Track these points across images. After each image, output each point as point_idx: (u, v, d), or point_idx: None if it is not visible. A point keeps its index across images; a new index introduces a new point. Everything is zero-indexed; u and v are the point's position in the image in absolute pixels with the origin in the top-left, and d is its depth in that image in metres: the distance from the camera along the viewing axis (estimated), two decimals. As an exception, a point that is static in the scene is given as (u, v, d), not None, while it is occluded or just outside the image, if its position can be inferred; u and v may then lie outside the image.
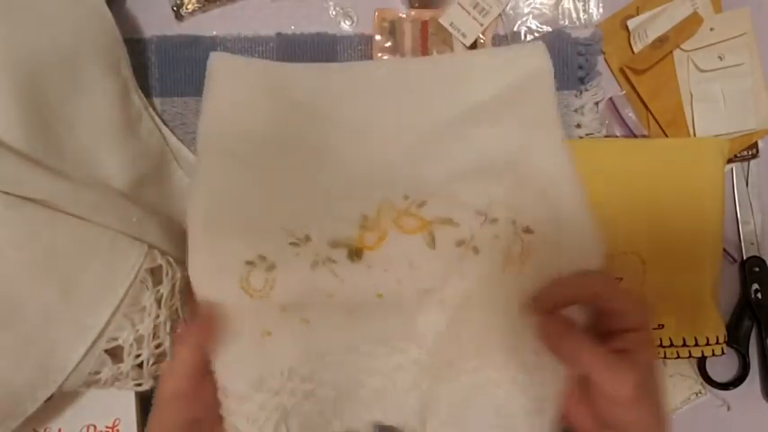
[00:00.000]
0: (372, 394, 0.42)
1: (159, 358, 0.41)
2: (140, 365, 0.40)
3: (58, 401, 0.41)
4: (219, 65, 0.46)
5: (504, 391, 0.40)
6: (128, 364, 0.39)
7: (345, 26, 0.50)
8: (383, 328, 0.42)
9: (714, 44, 0.49)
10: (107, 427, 0.42)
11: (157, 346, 0.40)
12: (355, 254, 0.41)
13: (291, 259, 0.41)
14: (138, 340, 0.39)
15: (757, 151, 0.50)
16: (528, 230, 0.42)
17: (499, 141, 0.45)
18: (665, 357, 0.47)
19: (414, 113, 0.48)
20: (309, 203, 0.43)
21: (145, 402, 0.45)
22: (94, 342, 0.37)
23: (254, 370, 0.39)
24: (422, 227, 0.42)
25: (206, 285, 0.40)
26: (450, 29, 0.49)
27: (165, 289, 0.40)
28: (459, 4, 0.49)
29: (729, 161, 0.50)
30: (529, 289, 0.38)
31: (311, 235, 0.41)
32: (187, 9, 0.48)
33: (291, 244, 0.41)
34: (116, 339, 0.39)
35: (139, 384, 0.41)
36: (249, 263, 0.40)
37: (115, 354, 0.39)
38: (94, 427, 0.42)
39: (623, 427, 0.35)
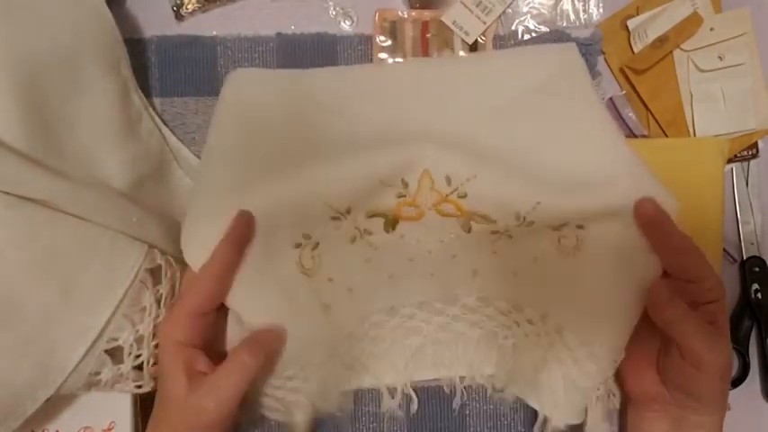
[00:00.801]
0: (413, 352, 0.45)
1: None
2: (140, 367, 0.40)
3: (55, 403, 0.41)
4: (239, 75, 0.47)
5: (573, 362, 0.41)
6: (128, 364, 0.39)
7: (345, 26, 0.50)
8: (420, 290, 0.44)
9: (714, 44, 0.49)
10: (103, 430, 0.42)
11: (157, 346, 0.40)
12: (391, 224, 0.44)
13: (332, 234, 0.44)
14: (138, 341, 0.39)
15: (757, 151, 0.50)
16: (580, 226, 0.43)
17: (544, 137, 0.44)
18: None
19: (451, 109, 0.46)
20: (348, 171, 0.43)
21: (143, 404, 0.45)
22: (94, 342, 0.37)
23: (322, 344, 0.42)
24: (460, 214, 0.44)
25: (259, 273, 0.40)
26: (452, 27, 0.49)
27: (164, 289, 0.40)
28: (461, 2, 0.49)
29: (729, 161, 0.50)
30: (584, 271, 0.42)
31: (351, 207, 0.43)
32: (187, 9, 0.48)
33: (333, 218, 0.43)
34: (116, 340, 0.39)
35: (140, 386, 0.41)
36: (297, 245, 0.43)
37: (115, 354, 0.39)
38: (91, 429, 0.42)
39: (699, 395, 0.37)
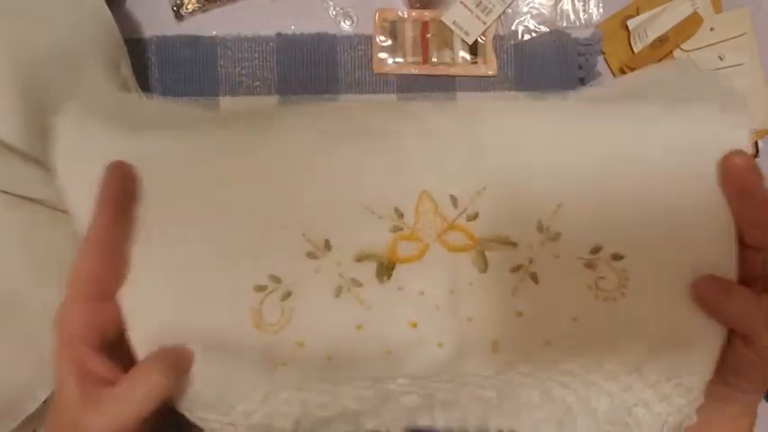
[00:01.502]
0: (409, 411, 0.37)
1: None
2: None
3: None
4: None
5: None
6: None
7: (345, 26, 0.50)
8: (425, 367, 0.34)
9: (714, 44, 0.49)
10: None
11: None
12: (386, 271, 0.34)
13: (311, 281, 0.34)
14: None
15: (758, 151, 0.50)
16: (617, 257, 0.34)
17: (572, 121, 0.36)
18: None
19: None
20: (323, 196, 0.34)
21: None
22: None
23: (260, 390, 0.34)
24: (472, 245, 0.34)
25: (192, 318, 0.33)
26: (452, 27, 0.49)
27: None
28: (461, 2, 0.49)
29: (730, 161, 0.50)
30: (633, 318, 0.33)
31: (331, 240, 0.34)
32: (187, 9, 0.48)
33: (309, 255, 0.34)
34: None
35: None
36: (260, 288, 0.33)
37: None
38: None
39: (753, 378, 0.34)
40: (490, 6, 0.49)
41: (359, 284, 0.34)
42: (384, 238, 0.34)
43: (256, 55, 0.49)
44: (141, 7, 0.48)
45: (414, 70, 0.49)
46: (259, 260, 0.33)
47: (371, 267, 0.34)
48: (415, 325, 0.34)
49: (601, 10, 0.51)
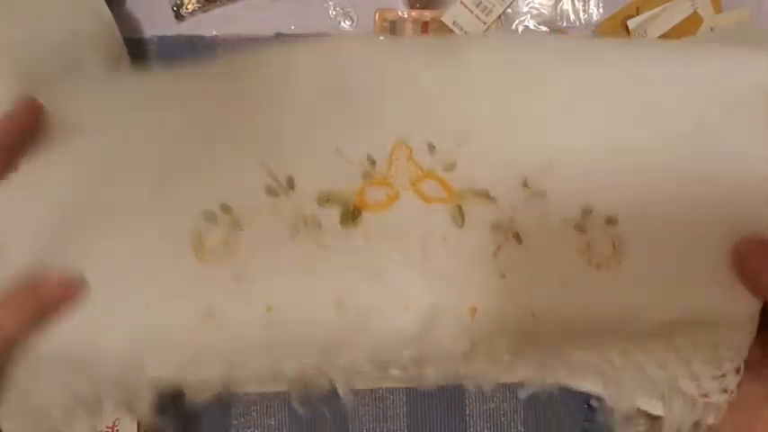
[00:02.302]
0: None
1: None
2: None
3: (57, 401, 0.41)
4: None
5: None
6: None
7: (345, 26, 0.50)
8: (381, 337, 0.30)
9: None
10: (107, 427, 0.42)
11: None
12: (351, 217, 0.31)
13: (265, 217, 0.30)
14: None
15: (757, 151, 0.50)
16: (611, 221, 0.30)
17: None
18: (665, 357, 0.47)
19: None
20: (292, 132, 0.32)
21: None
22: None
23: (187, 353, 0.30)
24: (448, 198, 0.31)
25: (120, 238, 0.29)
26: (452, 27, 0.49)
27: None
28: (461, 2, 0.49)
29: (729, 161, 0.50)
30: (630, 289, 0.30)
31: (295, 179, 0.31)
32: (187, 9, 0.48)
33: (268, 191, 0.31)
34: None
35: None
36: (207, 215, 0.30)
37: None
38: (94, 427, 0.42)
39: None
40: (490, 6, 0.49)
41: (319, 227, 0.30)
42: (353, 183, 0.31)
43: (256, 55, 0.49)
44: (141, 7, 0.48)
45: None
46: (211, 186, 0.30)
47: (335, 212, 0.31)
48: (377, 278, 0.30)
49: (601, 10, 0.50)
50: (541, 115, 0.32)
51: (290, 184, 0.31)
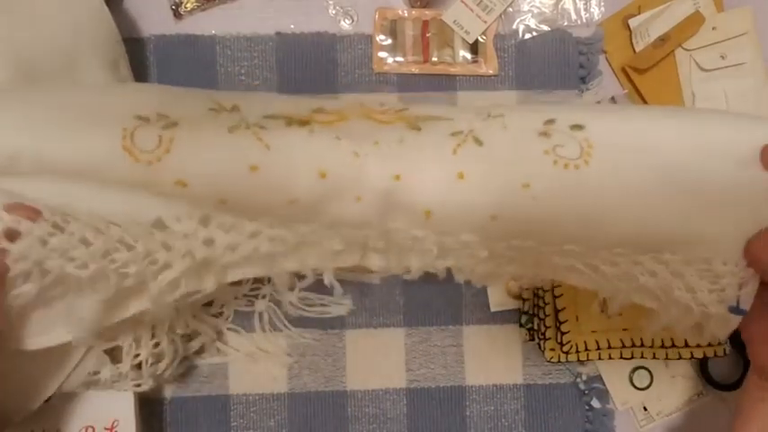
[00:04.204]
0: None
1: (158, 358, 0.41)
2: (139, 366, 0.40)
3: (56, 403, 0.41)
4: None
5: None
6: (126, 364, 0.39)
7: (345, 25, 0.50)
8: (337, 219, 0.29)
9: (716, 43, 0.49)
10: (105, 429, 0.42)
11: (156, 346, 0.40)
12: (297, 123, 0.29)
13: (202, 120, 0.29)
14: (137, 340, 0.39)
15: (759, 151, 0.50)
16: (576, 127, 0.30)
17: None
18: (666, 358, 0.47)
19: None
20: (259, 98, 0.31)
21: (144, 403, 0.45)
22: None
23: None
24: (405, 120, 0.30)
25: (59, 137, 0.28)
26: (453, 26, 0.49)
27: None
28: (462, 1, 0.49)
29: (731, 161, 0.49)
30: (603, 188, 0.29)
31: (240, 106, 0.30)
32: (186, 8, 0.48)
33: (210, 110, 0.30)
34: (115, 339, 0.39)
35: (138, 385, 0.41)
36: (141, 117, 0.29)
37: (114, 354, 0.39)
38: (93, 428, 0.42)
39: None
40: (491, 5, 0.49)
41: (262, 127, 0.29)
42: (302, 113, 0.30)
43: (256, 54, 0.49)
44: (140, 6, 0.48)
45: (414, 69, 0.49)
46: (150, 100, 0.29)
47: (280, 121, 0.29)
48: (324, 175, 0.28)
49: (602, 9, 0.50)
50: None
51: (235, 108, 0.30)
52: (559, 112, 0.30)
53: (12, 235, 0.27)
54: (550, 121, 0.30)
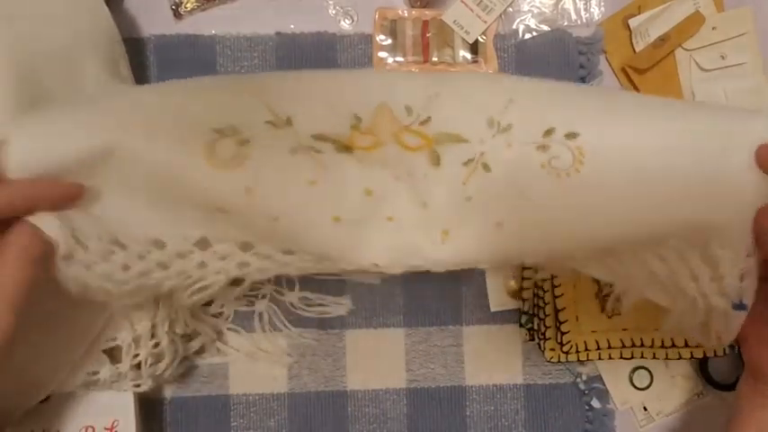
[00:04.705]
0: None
1: (157, 358, 0.41)
2: (138, 366, 0.40)
3: (55, 402, 0.41)
4: None
5: None
6: (126, 364, 0.39)
7: (345, 25, 0.50)
8: (374, 248, 0.35)
9: (716, 43, 0.49)
10: (105, 429, 0.42)
11: (155, 346, 0.40)
12: (344, 149, 0.35)
13: (268, 139, 0.34)
14: (136, 340, 0.39)
15: (759, 151, 0.50)
16: (571, 135, 0.33)
17: None
18: (666, 358, 0.47)
19: None
20: (291, 87, 0.36)
21: (144, 403, 0.45)
22: (93, 342, 0.37)
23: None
24: (425, 144, 0.35)
25: (156, 149, 0.32)
26: (453, 26, 0.49)
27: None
28: (462, 1, 0.49)
29: (731, 161, 0.49)
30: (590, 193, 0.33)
31: (293, 119, 0.34)
32: (186, 8, 0.48)
33: (269, 123, 0.34)
34: (114, 339, 0.39)
35: (138, 385, 0.41)
36: (218, 130, 0.33)
37: (113, 354, 0.39)
38: (93, 428, 0.42)
39: None
40: (491, 5, 0.49)
41: (317, 151, 0.35)
42: (343, 130, 0.35)
43: (256, 54, 0.49)
44: (140, 6, 0.48)
45: (414, 69, 0.49)
46: (221, 113, 0.33)
47: (330, 145, 0.35)
48: (370, 192, 0.35)
49: (602, 9, 0.50)
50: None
51: (288, 122, 0.34)
52: (557, 116, 0.34)
53: (67, 256, 0.30)
54: (549, 131, 0.34)
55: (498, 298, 0.49)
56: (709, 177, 0.32)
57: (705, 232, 0.33)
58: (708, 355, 0.47)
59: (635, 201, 0.33)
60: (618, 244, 0.35)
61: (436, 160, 0.35)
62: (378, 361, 0.48)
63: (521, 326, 0.49)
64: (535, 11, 0.50)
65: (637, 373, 0.49)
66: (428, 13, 0.49)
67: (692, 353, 0.46)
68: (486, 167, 0.35)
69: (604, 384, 0.49)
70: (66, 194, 0.30)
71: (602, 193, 0.33)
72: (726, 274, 0.33)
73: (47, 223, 0.30)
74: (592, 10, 0.50)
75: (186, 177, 0.33)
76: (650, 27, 0.49)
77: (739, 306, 0.34)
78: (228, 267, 0.36)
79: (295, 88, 0.35)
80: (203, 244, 0.35)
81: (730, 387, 0.49)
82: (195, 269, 0.35)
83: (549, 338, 0.47)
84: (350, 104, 0.35)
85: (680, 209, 0.33)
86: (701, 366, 0.49)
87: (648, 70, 0.49)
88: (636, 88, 0.49)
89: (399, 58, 0.49)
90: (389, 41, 0.49)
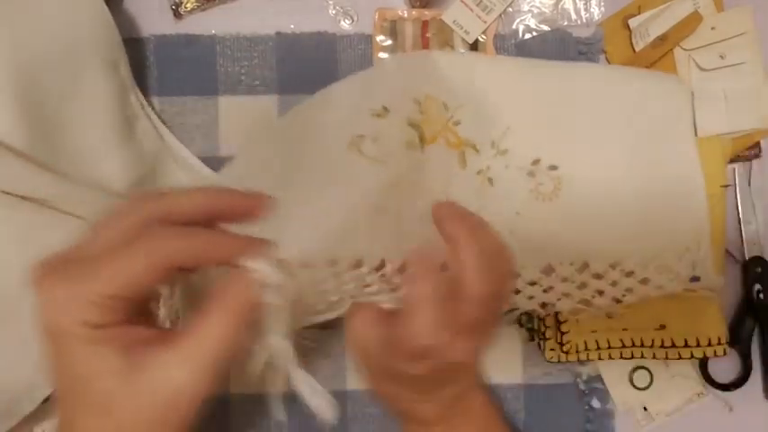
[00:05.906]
0: None
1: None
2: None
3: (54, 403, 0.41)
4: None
5: None
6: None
7: (345, 25, 0.50)
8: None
9: (715, 43, 0.49)
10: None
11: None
12: (421, 143, 0.44)
13: (386, 133, 0.43)
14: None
15: (760, 151, 0.50)
16: (553, 167, 0.44)
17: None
18: (666, 358, 0.47)
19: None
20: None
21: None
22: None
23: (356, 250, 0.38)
24: (458, 144, 0.44)
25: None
26: (453, 26, 0.49)
27: (163, 288, 0.40)
28: (462, 1, 0.49)
29: (731, 161, 0.49)
30: (562, 219, 0.43)
31: (388, 107, 0.43)
32: (186, 8, 0.48)
33: (374, 115, 0.43)
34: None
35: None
36: (359, 136, 0.42)
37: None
38: (93, 428, 0.42)
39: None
40: (491, 5, 0.49)
41: (410, 146, 0.44)
42: (418, 116, 0.44)
43: (256, 54, 0.49)
44: (140, 6, 0.48)
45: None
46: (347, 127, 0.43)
47: (416, 134, 0.44)
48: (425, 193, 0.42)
49: (602, 9, 0.50)
50: (501, 96, 0.46)
51: (385, 110, 0.44)
52: (544, 150, 0.45)
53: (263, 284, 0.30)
54: (536, 161, 0.45)
55: (498, 298, 0.49)
56: (663, 200, 0.44)
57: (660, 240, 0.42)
58: (708, 356, 0.47)
59: (605, 221, 0.43)
60: (598, 256, 0.42)
61: (463, 164, 0.44)
62: None
63: (521, 326, 0.49)
64: (535, 11, 0.50)
65: (637, 373, 0.49)
66: (428, 13, 0.49)
67: (692, 353, 0.46)
68: (490, 182, 0.43)
69: (604, 384, 0.49)
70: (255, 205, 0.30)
71: (575, 217, 0.43)
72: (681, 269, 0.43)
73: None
74: (592, 10, 0.50)
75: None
76: (650, 27, 0.49)
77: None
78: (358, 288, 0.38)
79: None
80: (356, 265, 0.37)
81: (730, 387, 0.49)
82: (336, 289, 0.38)
83: (549, 338, 0.47)
84: (406, 91, 0.44)
85: (640, 229, 0.43)
86: (702, 366, 0.49)
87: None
88: (636, 88, 0.49)
89: (399, 59, 0.49)
90: (389, 41, 0.49)
